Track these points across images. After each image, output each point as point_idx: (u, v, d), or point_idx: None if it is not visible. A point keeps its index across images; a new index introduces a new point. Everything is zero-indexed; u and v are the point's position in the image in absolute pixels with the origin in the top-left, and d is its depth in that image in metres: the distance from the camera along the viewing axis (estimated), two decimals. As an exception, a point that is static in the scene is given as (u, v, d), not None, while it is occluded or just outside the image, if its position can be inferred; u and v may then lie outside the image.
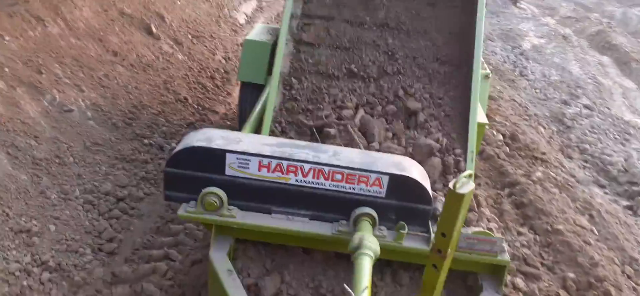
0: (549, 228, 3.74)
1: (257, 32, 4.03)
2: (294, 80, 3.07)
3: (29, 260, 2.59)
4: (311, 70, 3.13)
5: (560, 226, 3.73)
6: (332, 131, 2.69)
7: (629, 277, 3.41)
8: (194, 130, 4.32)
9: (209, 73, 5.63)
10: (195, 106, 4.87)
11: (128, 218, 3.20)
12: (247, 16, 8.05)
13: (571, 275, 3.26)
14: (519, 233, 3.73)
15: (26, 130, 3.33)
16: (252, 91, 3.70)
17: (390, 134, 2.83)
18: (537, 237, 3.71)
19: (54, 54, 4.24)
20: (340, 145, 2.56)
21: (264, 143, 2.07)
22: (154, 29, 5.67)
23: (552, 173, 4.59)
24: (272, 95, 2.85)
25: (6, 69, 3.68)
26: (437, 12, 3.50)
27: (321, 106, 2.90)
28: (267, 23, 8.11)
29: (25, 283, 2.50)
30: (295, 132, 2.80)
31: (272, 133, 2.74)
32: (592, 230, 3.81)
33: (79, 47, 4.56)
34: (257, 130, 2.87)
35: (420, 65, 3.22)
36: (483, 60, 4.03)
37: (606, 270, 3.30)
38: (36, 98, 3.67)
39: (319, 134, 2.74)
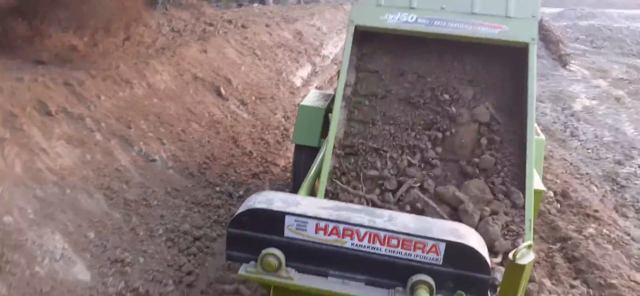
0: (603, 282, 3.77)
1: (311, 98, 4.31)
2: (347, 146, 3.21)
3: (123, 286, 2.98)
4: (365, 137, 3.25)
5: (615, 281, 3.76)
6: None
7: (687, 333, 3.40)
8: (258, 183, 4.78)
9: (270, 130, 6.12)
10: (259, 159, 5.31)
11: (203, 255, 3.57)
12: (303, 79, 8.62)
13: (627, 328, 3.30)
14: (572, 286, 3.78)
15: (119, 176, 3.83)
16: (306, 153, 3.93)
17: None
18: (591, 291, 3.75)
19: (140, 111, 4.83)
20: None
21: (321, 207, 2.11)
22: (222, 91, 6.27)
23: (605, 230, 4.61)
24: (327, 159, 2.99)
25: (103, 124, 4.26)
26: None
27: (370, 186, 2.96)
28: (321, 85, 8.65)
29: (120, 306, 2.89)
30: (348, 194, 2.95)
31: (331, 195, 2.88)
32: (648, 286, 3.82)
33: (160, 106, 5.15)
34: (312, 192, 2.98)
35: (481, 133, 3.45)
36: (536, 125, 4.17)
37: (663, 325, 3.31)
38: (126, 149, 4.20)
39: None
